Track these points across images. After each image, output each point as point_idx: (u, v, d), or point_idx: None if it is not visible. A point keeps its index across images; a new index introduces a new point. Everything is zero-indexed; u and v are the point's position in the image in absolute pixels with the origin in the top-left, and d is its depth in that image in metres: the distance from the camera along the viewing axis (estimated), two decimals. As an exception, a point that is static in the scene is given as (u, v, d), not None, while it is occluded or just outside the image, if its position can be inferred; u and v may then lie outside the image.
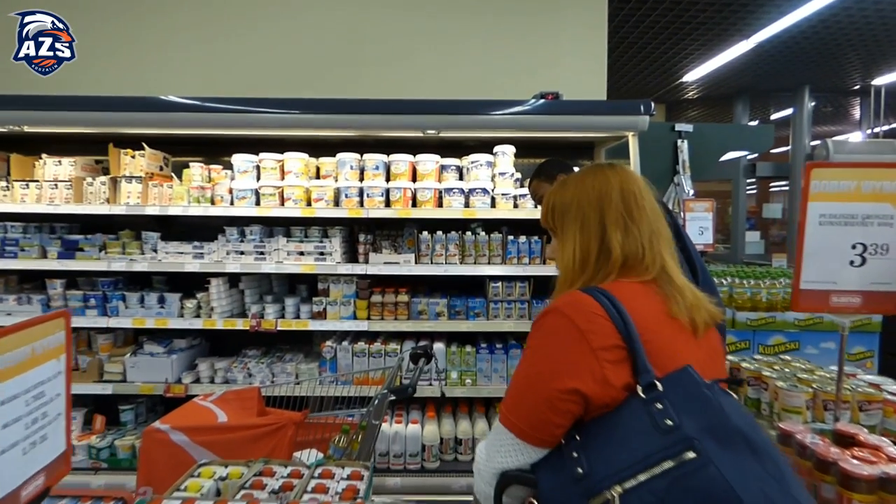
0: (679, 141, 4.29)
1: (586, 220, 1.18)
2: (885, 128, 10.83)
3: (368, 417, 2.02)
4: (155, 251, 3.15)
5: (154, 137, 3.28)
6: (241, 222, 3.21)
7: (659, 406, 0.97)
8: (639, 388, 1.00)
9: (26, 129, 2.96)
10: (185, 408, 2.24)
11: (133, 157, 3.25)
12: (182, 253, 3.11)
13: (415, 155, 3.20)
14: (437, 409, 3.30)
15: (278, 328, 3.09)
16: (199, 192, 3.12)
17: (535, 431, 1.05)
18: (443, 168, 3.22)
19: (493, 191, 3.15)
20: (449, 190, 3.12)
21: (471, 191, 3.13)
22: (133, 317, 3.09)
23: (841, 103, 11.37)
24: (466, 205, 3.15)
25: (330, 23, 3.93)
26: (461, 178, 3.27)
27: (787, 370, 1.83)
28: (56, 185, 3.13)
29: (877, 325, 3.71)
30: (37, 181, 3.15)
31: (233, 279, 3.26)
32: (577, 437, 1.05)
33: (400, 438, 3.07)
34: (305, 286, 3.44)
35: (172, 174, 3.37)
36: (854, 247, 1.33)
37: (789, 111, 10.66)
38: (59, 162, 3.25)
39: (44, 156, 3.27)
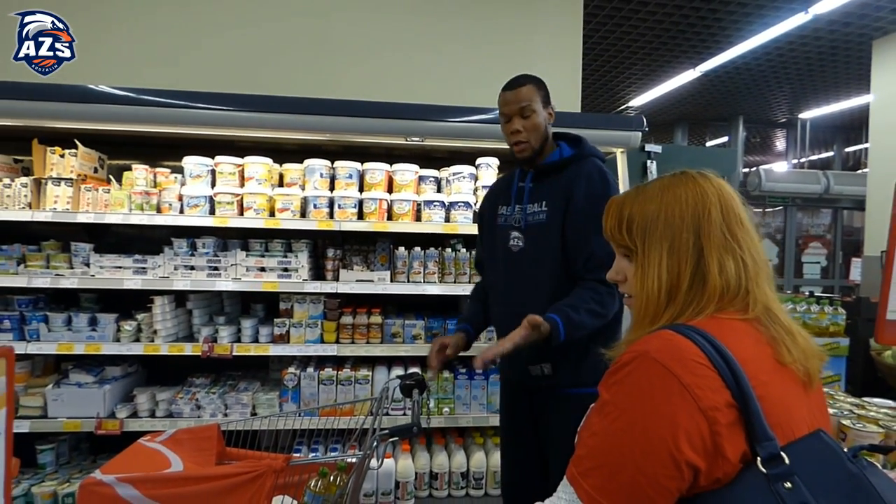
0: (648, 161, 4.26)
1: (678, 240, 0.95)
2: (810, 158, 11.58)
3: (361, 461, 1.73)
4: (87, 265, 2.71)
5: (88, 134, 2.85)
6: (192, 233, 2.82)
7: (788, 485, 0.78)
8: (758, 461, 0.80)
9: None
10: (129, 452, 1.84)
11: (62, 156, 2.81)
12: (120, 267, 2.70)
13: (391, 164, 2.94)
14: (411, 440, 3.02)
15: (234, 353, 2.72)
16: (144, 199, 2.73)
17: None
18: (421, 179, 2.98)
19: (475, 205, 2.94)
20: (429, 203, 2.88)
21: (452, 204, 2.91)
22: (58, 341, 2.62)
23: (768, 134, 12.09)
24: (447, 219, 2.92)
25: (295, 27, 3.65)
26: (439, 191, 3.04)
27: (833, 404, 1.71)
28: (-36, 185, 2.65)
29: (844, 348, 3.78)
30: (-60, 180, 2.65)
31: (179, 298, 2.87)
32: None
33: (371, 475, 2.76)
34: (262, 305, 3.08)
35: (110, 177, 2.94)
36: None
37: (724, 139, 11.20)
38: (-31, 159, 2.76)
39: (-50, 151, 2.78)
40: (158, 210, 2.76)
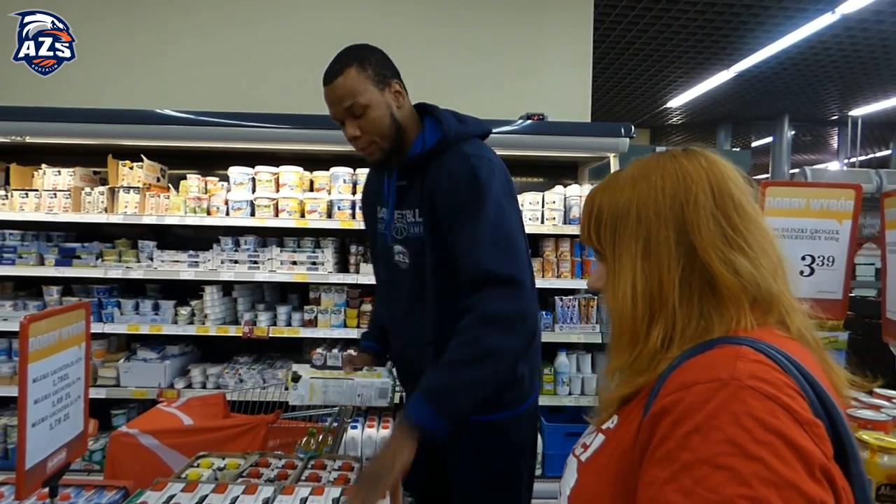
0: (660, 163, 4.47)
1: (655, 239, 0.76)
2: (862, 157, 11.20)
3: (340, 419, 2.05)
4: (151, 259, 3.23)
5: (152, 150, 3.38)
6: (236, 232, 3.30)
7: None
8: None
9: (28, 139, 3.07)
10: (149, 413, 2.22)
11: (131, 168, 3.35)
12: (177, 261, 3.20)
13: (406, 171, 3.32)
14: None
15: (270, 335, 3.17)
16: (196, 203, 3.22)
17: None
18: (433, 184, 3.34)
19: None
20: (438, 205, 3.24)
21: (459, 206, 3.25)
22: (128, 323, 3.16)
23: (820, 133, 11.75)
24: (455, 219, 3.26)
25: (322, 46, 4.08)
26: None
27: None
28: (55, 194, 3.21)
29: (843, 343, 3.88)
30: (36, 190, 3.23)
31: (226, 287, 3.35)
32: None
33: (372, 443, 3.13)
34: (297, 295, 3.53)
35: (169, 185, 3.47)
36: (804, 258, 1.47)
37: (769, 139, 11.00)
38: (59, 172, 3.33)
39: (44, 166, 3.36)
40: (208, 213, 3.24)
